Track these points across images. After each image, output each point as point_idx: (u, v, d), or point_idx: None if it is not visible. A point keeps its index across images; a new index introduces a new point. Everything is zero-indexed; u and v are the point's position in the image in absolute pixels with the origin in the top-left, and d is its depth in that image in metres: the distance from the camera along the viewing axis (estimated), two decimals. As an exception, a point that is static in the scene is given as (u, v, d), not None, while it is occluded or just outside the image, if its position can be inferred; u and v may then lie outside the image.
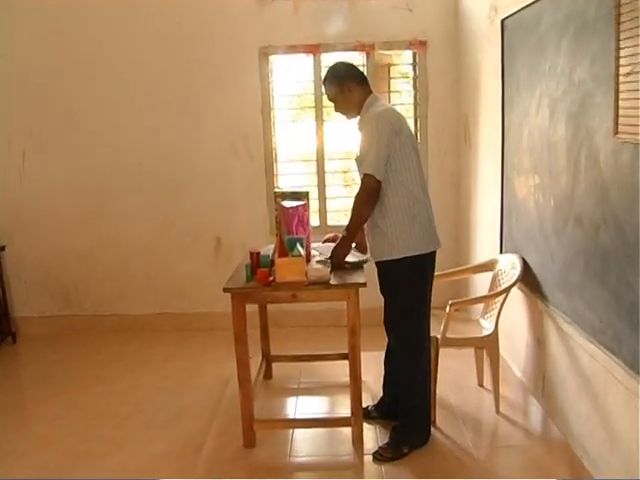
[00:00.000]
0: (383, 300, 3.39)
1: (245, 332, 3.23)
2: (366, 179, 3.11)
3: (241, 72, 5.22)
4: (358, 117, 3.31)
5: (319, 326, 5.31)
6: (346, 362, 4.26)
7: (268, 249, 3.86)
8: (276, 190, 3.84)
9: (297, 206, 3.42)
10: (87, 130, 5.36)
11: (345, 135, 5.68)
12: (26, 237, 5.57)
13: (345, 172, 5.62)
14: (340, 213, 5.50)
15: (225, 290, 3.16)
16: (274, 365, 4.37)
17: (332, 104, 3.40)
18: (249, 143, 5.29)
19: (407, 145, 3.16)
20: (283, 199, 3.71)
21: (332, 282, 3.12)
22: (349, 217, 3.24)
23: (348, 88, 3.27)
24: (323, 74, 5.35)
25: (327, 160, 5.35)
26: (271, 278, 3.14)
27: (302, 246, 3.23)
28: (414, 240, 3.17)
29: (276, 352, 4.38)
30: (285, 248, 3.15)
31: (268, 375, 4.31)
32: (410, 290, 3.23)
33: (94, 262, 5.57)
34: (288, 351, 4.52)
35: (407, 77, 5.62)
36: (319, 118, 5.27)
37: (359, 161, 3.20)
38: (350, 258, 3.44)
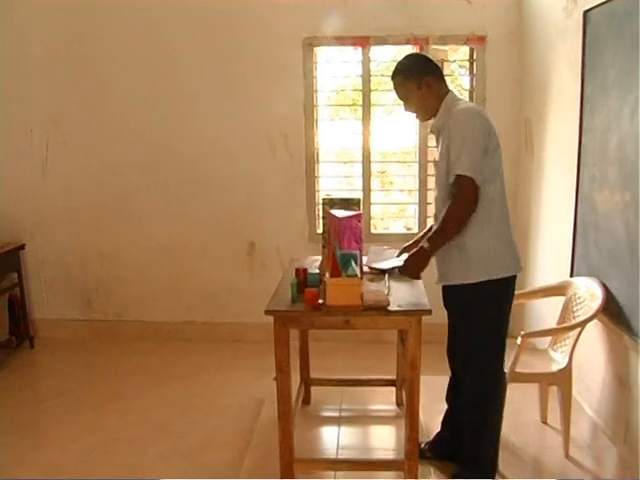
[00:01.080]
0: (448, 324, 2.99)
1: (288, 361, 2.81)
2: (463, 181, 2.63)
3: (283, 64, 4.80)
4: (433, 119, 2.88)
5: (359, 341, 4.88)
6: (393, 389, 3.90)
7: (312, 261, 3.46)
8: (325, 197, 3.41)
9: (350, 216, 2.99)
10: (113, 124, 4.99)
11: (388, 135, 5.29)
12: (47, 235, 5.22)
13: (382, 172, 5.20)
14: (383, 220, 5.09)
15: (268, 313, 2.75)
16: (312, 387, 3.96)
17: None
18: (289, 141, 4.87)
19: (497, 150, 2.73)
20: (332, 207, 3.29)
21: (391, 308, 2.69)
22: (437, 226, 2.76)
23: (427, 84, 2.81)
24: (372, 68, 5.10)
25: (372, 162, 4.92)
26: (321, 300, 2.71)
27: (356, 263, 2.81)
28: (499, 261, 2.74)
29: (313, 370, 3.95)
30: (337, 265, 2.72)
31: (306, 400, 3.89)
32: (490, 319, 2.79)
33: (117, 264, 5.20)
34: (326, 370, 4.10)
35: (462, 75, 5.19)
36: (366, 116, 4.83)
37: (444, 165, 2.75)
38: (381, 265, 3.10)
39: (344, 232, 2.94)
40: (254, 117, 4.87)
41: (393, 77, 2.89)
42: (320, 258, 3.45)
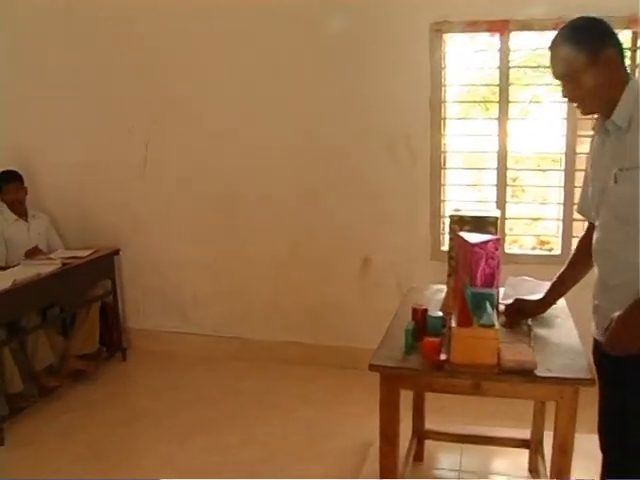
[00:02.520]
0: (601, 392, 2.23)
1: (397, 430, 2.18)
2: None
3: (406, 54, 4.13)
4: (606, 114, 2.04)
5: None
6: (526, 451, 3.18)
7: (435, 293, 2.81)
8: (453, 212, 2.75)
9: (486, 241, 2.32)
10: (216, 125, 4.51)
11: (525, 138, 4.49)
12: (143, 241, 4.83)
13: (514, 180, 4.43)
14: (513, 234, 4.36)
15: (373, 368, 2.12)
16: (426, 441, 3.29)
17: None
18: (412, 143, 4.19)
19: None
20: (461, 226, 2.63)
21: (539, 372, 1.99)
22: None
23: (606, 59, 1.98)
24: (511, 58, 4.35)
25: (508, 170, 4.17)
26: (443, 356, 2.06)
27: (492, 307, 2.14)
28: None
29: (427, 415, 3.28)
30: (467, 310, 2.06)
31: (419, 456, 3.23)
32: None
33: (216, 275, 4.73)
34: (442, 419, 3.40)
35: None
36: (502, 115, 4.09)
37: (630, 177, 1.94)
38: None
39: (477, 263, 2.27)
40: (372, 116, 4.22)
41: (555, 46, 2.06)
42: (445, 289, 2.79)
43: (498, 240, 2.35)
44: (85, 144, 4.83)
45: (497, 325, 2.04)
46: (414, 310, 2.28)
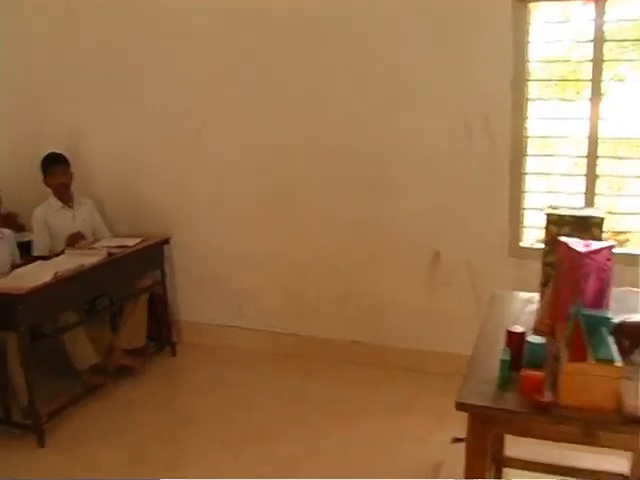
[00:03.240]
0: None
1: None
2: None
3: (485, 26, 3.66)
4: None
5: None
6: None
7: (524, 305, 2.40)
8: (549, 209, 2.33)
9: (598, 250, 1.90)
10: (276, 106, 4.14)
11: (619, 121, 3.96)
12: (196, 229, 4.54)
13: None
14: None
15: (461, 406, 1.73)
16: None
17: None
18: (490, 127, 3.73)
19: None
20: (560, 227, 2.22)
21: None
22: None
23: None
24: (607, 30, 3.83)
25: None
26: (548, 396, 1.66)
27: (610, 333, 1.72)
28: None
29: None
30: (582, 339, 1.65)
31: (498, 487, 2.84)
32: None
33: (273, 267, 4.39)
34: (523, 447, 2.97)
35: None
36: (596, 95, 3.61)
37: None
38: None
39: (587, 277, 1.85)
40: (445, 96, 3.77)
41: None
42: (535, 298, 2.38)
43: (612, 248, 1.93)
44: (136, 128, 4.56)
45: (619, 360, 1.63)
46: (510, 334, 1.88)
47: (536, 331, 2.02)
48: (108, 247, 4.03)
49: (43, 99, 4.77)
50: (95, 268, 3.74)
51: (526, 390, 1.69)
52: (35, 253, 4.20)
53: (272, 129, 4.18)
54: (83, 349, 3.84)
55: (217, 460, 3.28)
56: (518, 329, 1.88)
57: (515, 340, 1.85)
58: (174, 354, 4.54)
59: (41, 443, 3.47)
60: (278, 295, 4.43)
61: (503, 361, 1.76)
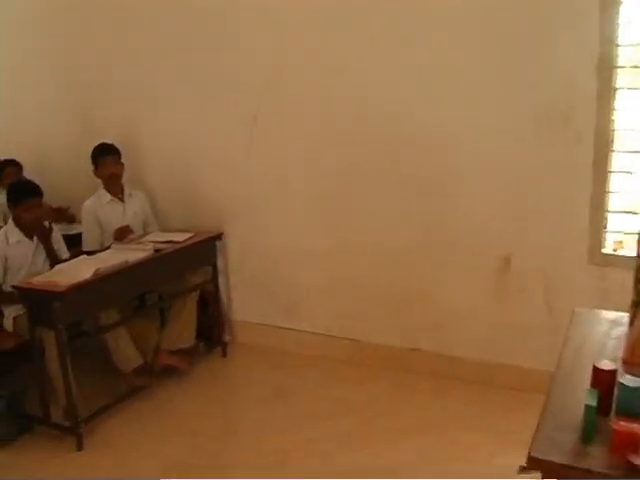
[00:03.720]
0: None
1: None
2: None
3: (567, 6, 3.26)
4: None
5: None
6: None
7: (612, 327, 2.07)
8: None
9: None
10: (338, 91, 3.84)
11: None
12: (251, 223, 4.32)
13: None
14: None
15: (533, 462, 1.41)
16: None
17: None
18: (571, 120, 3.33)
19: None
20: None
21: None
22: None
23: None
24: None
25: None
26: (646, 455, 1.33)
27: None
28: None
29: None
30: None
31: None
32: None
33: (332, 266, 4.11)
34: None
35: None
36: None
37: None
38: None
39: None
40: (521, 84, 3.40)
41: None
42: (624, 320, 2.04)
43: None
44: (190, 118, 4.37)
45: None
46: (597, 371, 1.55)
47: (626, 364, 1.69)
48: (156, 242, 3.84)
49: (95, 88, 4.66)
50: (141, 264, 3.56)
51: (618, 447, 1.36)
52: (85, 248, 4.06)
53: (334, 122, 3.90)
54: (126, 350, 3.66)
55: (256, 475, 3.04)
56: (608, 366, 1.55)
57: (604, 379, 1.52)
58: (224, 355, 4.33)
59: (79, 446, 3.32)
60: (334, 296, 4.15)
61: (588, 407, 1.43)
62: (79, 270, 3.31)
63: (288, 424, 3.48)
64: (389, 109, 3.71)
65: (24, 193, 3.59)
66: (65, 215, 4.54)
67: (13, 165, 4.65)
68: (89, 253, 3.88)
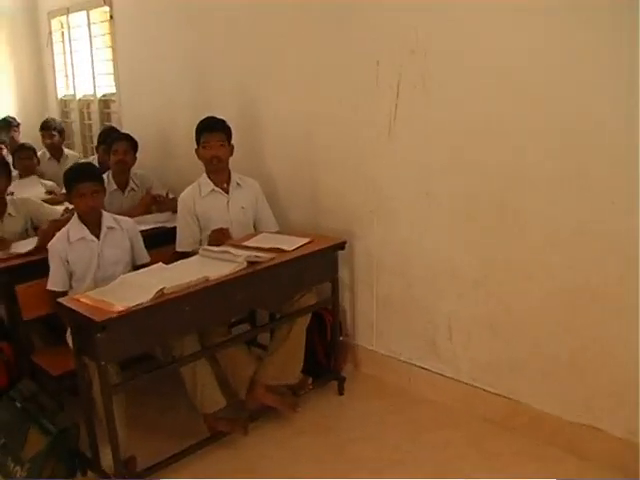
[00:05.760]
0: None
1: None
2: None
3: None
4: None
5: None
6: None
7: None
8: None
9: None
10: (490, 90, 2.79)
11: None
12: (383, 232, 3.38)
13: None
14: None
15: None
16: None
17: None
18: None
19: None
20: None
21: None
22: None
23: None
24: None
25: None
26: None
27: None
28: None
29: None
30: None
31: None
32: None
33: (483, 299, 3.05)
34: None
35: None
36: None
37: None
38: None
39: None
40: None
41: None
42: None
43: None
44: (312, 92, 3.53)
45: None
46: None
47: None
48: (259, 249, 3.00)
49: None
50: (225, 283, 2.71)
51: None
52: (178, 248, 3.35)
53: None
54: (207, 389, 2.87)
55: None
56: None
57: None
58: (341, 393, 3.43)
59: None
60: (485, 336, 3.09)
61: None
62: (144, 286, 2.54)
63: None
64: (556, 111, 2.57)
65: (75, 176, 2.90)
66: (167, 203, 3.84)
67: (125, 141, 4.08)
68: (183, 255, 3.15)
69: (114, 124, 5.29)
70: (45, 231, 3.22)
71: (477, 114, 2.87)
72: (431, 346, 3.32)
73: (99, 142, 4.65)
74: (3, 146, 4.94)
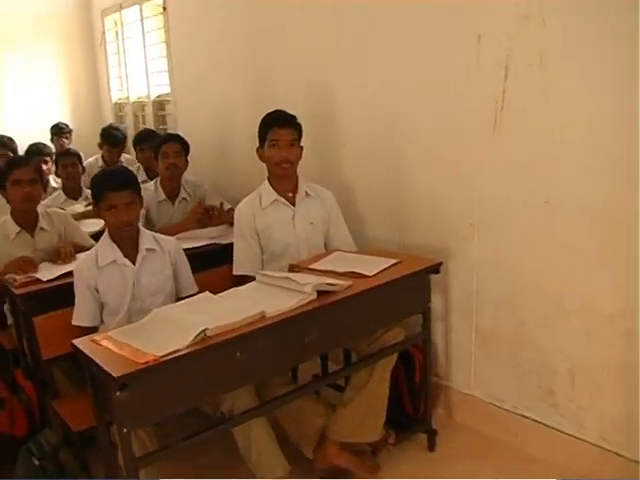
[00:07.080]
0: None
1: None
2: None
3: None
4: None
5: None
6: None
7: None
8: None
9: None
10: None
11: None
12: (484, 250, 2.72)
13: None
14: None
15: None
16: None
17: None
18: None
19: None
20: None
21: None
22: None
23: None
24: None
25: None
26: None
27: None
28: None
29: None
30: None
31: None
32: None
33: (620, 334, 2.34)
34: None
35: None
36: None
37: None
38: None
39: None
40: None
41: None
42: None
43: None
44: (396, 80, 2.92)
45: None
46: None
47: None
48: (333, 273, 2.39)
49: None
50: (291, 320, 2.09)
51: None
52: (236, 271, 2.76)
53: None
54: (264, 453, 2.26)
55: None
56: None
57: None
58: (431, 449, 2.77)
59: None
60: (620, 384, 2.40)
61: None
62: (181, 325, 1.94)
63: None
64: None
65: (104, 183, 2.36)
66: (222, 216, 3.27)
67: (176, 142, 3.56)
68: (243, 279, 2.56)
69: (169, 127, 4.80)
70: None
71: (621, 102, 2.17)
72: (546, 394, 2.64)
73: (134, 145, 4.27)
74: (49, 159, 4.45)
